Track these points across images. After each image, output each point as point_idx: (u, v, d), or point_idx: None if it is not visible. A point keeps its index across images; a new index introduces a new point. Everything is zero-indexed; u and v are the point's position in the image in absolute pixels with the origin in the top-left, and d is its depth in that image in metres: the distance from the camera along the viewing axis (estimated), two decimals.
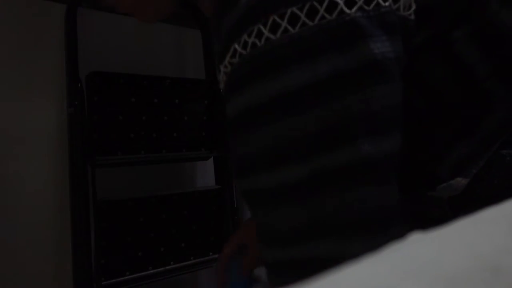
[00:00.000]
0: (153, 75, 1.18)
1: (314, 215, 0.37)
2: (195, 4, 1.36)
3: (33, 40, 1.08)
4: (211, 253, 1.23)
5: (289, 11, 0.37)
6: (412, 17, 0.41)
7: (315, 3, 0.36)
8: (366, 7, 0.37)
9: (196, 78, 1.30)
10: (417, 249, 0.15)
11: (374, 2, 0.37)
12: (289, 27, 0.37)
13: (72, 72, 1.07)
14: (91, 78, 1.06)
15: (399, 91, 0.39)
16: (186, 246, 1.18)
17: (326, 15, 0.36)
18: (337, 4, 0.36)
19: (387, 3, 0.38)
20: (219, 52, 0.42)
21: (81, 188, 1.02)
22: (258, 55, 0.38)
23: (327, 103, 0.36)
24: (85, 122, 1.04)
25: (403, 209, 0.39)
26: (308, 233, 0.38)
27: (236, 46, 0.39)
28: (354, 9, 0.36)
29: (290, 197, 0.38)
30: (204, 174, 1.36)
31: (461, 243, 0.15)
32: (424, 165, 0.47)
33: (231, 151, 0.43)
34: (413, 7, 0.41)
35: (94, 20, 1.18)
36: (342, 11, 0.36)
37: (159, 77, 1.19)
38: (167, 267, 1.14)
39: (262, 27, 0.37)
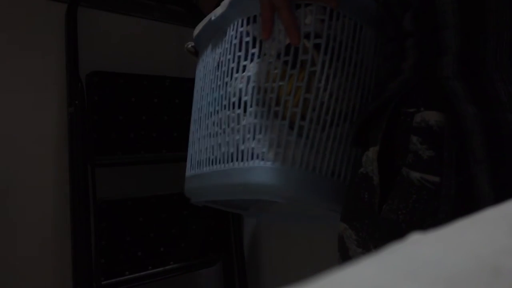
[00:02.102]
0: (153, 75, 1.18)
1: None
2: (195, 4, 1.36)
3: (33, 40, 1.08)
4: (211, 253, 1.23)
5: None
6: None
7: None
8: None
9: None
10: (417, 249, 0.15)
11: None
12: None
13: (72, 71, 1.07)
14: (91, 78, 1.06)
15: None
16: (186, 246, 1.18)
17: None
18: None
19: None
20: None
21: (81, 188, 1.03)
22: None
23: None
24: (85, 121, 1.04)
25: None
26: None
27: None
28: None
29: None
30: None
31: (461, 243, 0.15)
32: None
33: None
34: None
35: (94, 20, 1.18)
36: None
37: (159, 77, 1.19)
38: (167, 267, 1.14)
39: None
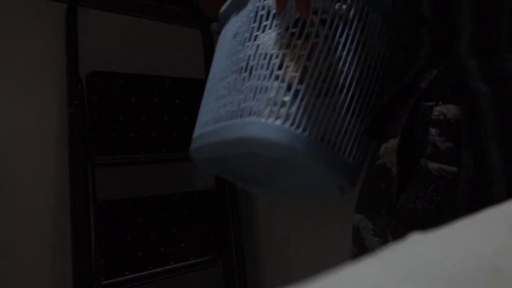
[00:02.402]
0: (153, 75, 1.18)
1: None
2: (195, 4, 1.36)
3: (33, 40, 1.08)
4: (211, 253, 1.23)
5: None
6: None
7: None
8: None
9: (196, 78, 1.30)
10: (417, 249, 0.15)
11: None
12: None
13: (72, 71, 1.07)
14: (91, 78, 1.06)
15: None
16: (186, 246, 1.18)
17: None
18: None
19: None
20: None
21: (81, 188, 1.03)
22: None
23: None
24: (85, 121, 1.04)
25: None
26: None
27: None
28: None
29: None
30: (204, 174, 1.36)
31: (461, 243, 0.15)
32: None
33: None
34: None
35: (94, 20, 1.18)
36: None
37: (159, 77, 1.19)
38: (167, 267, 1.14)
39: None
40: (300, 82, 0.58)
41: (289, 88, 0.58)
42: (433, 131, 0.46)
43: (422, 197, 0.46)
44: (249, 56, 0.64)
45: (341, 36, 0.60)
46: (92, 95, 1.05)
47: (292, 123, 0.57)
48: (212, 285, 1.37)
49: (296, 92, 0.58)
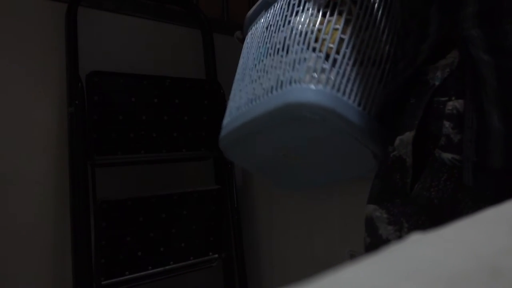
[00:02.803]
0: (153, 75, 1.18)
1: None
2: (195, 4, 1.36)
3: (33, 40, 1.08)
4: (211, 253, 1.23)
5: None
6: None
7: None
8: None
9: (196, 78, 1.30)
10: (417, 249, 0.15)
11: None
12: None
13: (72, 71, 1.07)
14: (91, 78, 1.06)
15: None
16: (186, 246, 1.18)
17: None
18: None
19: None
20: None
21: (81, 188, 1.03)
22: None
23: None
24: (85, 121, 1.04)
25: None
26: None
27: None
28: None
29: None
30: (204, 174, 1.36)
31: (461, 243, 0.15)
32: None
33: None
34: None
35: (94, 20, 1.18)
36: None
37: (159, 77, 1.19)
38: (167, 267, 1.14)
39: None
40: (337, 52, 0.63)
41: (327, 57, 0.62)
42: (446, 124, 0.50)
43: (436, 185, 0.50)
44: (285, 37, 0.68)
45: (370, 15, 0.66)
46: (92, 95, 1.05)
47: (332, 87, 0.61)
48: (212, 285, 1.37)
49: (334, 60, 0.62)
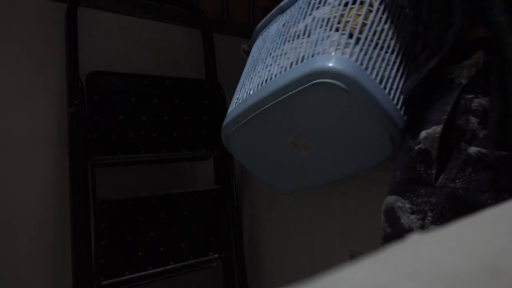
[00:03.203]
0: (153, 75, 1.18)
1: None
2: (196, 4, 1.36)
3: (33, 40, 1.08)
4: (211, 253, 1.23)
5: None
6: None
7: None
8: None
9: (196, 78, 1.30)
10: (417, 249, 0.15)
11: None
12: None
13: (73, 71, 1.07)
14: (91, 78, 1.06)
15: None
16: (186, 246, 1.18)
17: None
18: None
19: None
20: None
21: (81, 188, 1.03)
22: None
23: None
24: (85, 121, 1.04)
25: None
26: None
27: None
28: None
29: None
30: (204, 174, 1.36)
31: (461, 243, 0.15)
32: None
33: None
34: None
35: (94, 20, 1.18)
36: None
37: (159, 77, 1.19)
38: (167, 267, 1.14)
39: None
40: (360, 33, 0.64)
41: (350, 36, 0.64)
42: (473, 119, 0.54)
43: (462, 176, 0.53)
44: (306, 25, 0.69)
45: (389, 11, 0.69)
46: (92, 95, 1.05)
47: (356, 60, 0.62)
48: (212, 285, 1.37)
49: (357, 39, 0.64)
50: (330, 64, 0.61)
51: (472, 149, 0.53)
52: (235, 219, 1.29)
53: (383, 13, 0.68)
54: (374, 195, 1.01)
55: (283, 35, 0.75)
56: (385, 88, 0.64)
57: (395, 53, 0.68)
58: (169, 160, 1.24)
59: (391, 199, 0.60)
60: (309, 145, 0.76)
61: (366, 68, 0.62)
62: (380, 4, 0.68)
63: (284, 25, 0.77)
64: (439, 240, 0.16)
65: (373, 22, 0.66)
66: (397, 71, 0.67)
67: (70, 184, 1.04)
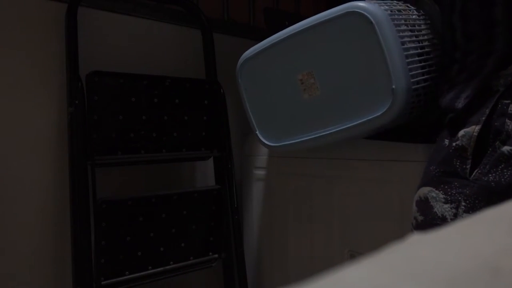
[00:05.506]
0: (153, 75, 1.18)
1: None
2: (196, 4, 1.36)
3: (33, 40, 1.08)
4: (210, 253, 1.23)
5: None
6: None
7: None
8: None
9: (196, 78, 1.30)
10: (417, 250, 0.15)
11: None
12: None
13: (73, 71, 1.07)
14: (91, 78, 1.06)
15: None
16: (186, 246, 1.18)
17: None
18: None
19: None
20: None
21: (81, 188, 1.03)
22: None
23: None
24: (85, 121, 1.04)
25: None
26: None
27: None
28: None
29: None
30: (204, 174, 1.36)
31: (461, 243, 0.15)
32: None
33: None
34: None
35: (94, 20, 1.18)
36: None
37: (159, 77, 1.19)
38: (167, 267, 1.14)
39: None
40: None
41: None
42: (508, 122, 0.60)
43: (495, 171, 0.59)
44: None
45: (430, 24, 0.82)
46: (92, 95, 1.05)
47: (390, 13, 0.74)
48: (212, 285, 1.37)
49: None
50: (366, 5, 0.74)
51: (506, 148, 0.58)
52: (235, 219, 1.29)
53: (407, 14, 0.79)
54: (374, 195, 1.01)
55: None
56: (403, 44, 0.73)
57: (417, 50, 0.76)
58: (169, 160, 1.24)
59: (425, 190, 0.67)
60: (315, 87, 0.83)
61: (395, 24, 0.72)
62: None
63: None
64: (439, 240, 0.16)
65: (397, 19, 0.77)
66: (417, 51, 0.76)
67: (70, 184, 1.04)
